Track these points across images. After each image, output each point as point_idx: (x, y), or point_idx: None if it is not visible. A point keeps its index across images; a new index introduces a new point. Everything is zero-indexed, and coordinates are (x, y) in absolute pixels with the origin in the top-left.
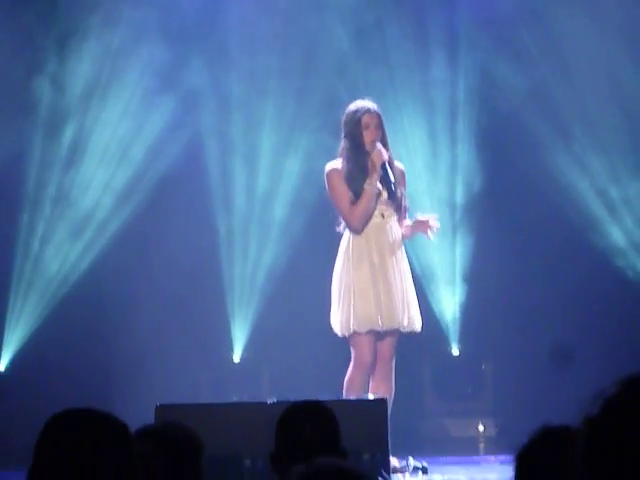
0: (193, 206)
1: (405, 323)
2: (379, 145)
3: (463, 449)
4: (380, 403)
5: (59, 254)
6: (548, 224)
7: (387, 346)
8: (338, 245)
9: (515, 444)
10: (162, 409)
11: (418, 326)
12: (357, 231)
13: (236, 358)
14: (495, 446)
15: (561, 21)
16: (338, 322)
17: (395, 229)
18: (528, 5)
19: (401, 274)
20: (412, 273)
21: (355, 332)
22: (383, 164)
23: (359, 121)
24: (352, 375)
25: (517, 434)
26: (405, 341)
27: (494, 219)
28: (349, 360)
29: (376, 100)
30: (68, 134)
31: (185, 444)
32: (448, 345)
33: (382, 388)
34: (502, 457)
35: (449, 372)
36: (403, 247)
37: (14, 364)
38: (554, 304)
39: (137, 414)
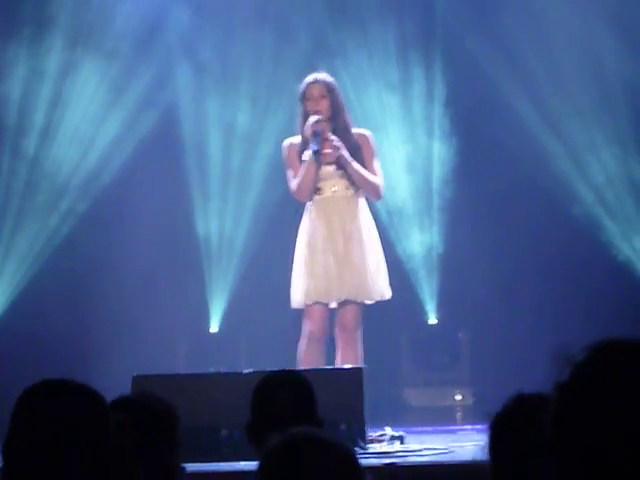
0: (168, 175)
1: (359, 294)
2: (311, 117)
3: (440, 418)
4: (356, 372)
5: (33, 227)
6: (525, 194)
7: (349, 316)
8: None
9: (491, 413)
10: (139, 380)
11: (381, 296)
12: (302, 200)
13: (213, 328)
14: (472, 415)
15: (543, 2)
16: (292, 294)
17: (353, 201)
18: None
19: (357, 245)
20: (388, 244)
21: (305, 304)
22: (314, 132)
23: (304, 94)
24: (299, 345)
25: (494, 403)
26: (382, 310)
27: (472, 192)
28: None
29: (350, 78)
30: (42, 106)
31: (161, 415)
32: (425, 314)
33: (349, 357)
34: (479, 426)
35: (426, 341)
36: (365, 219)
37: None
38: (532, 273)
39: (114, 385)
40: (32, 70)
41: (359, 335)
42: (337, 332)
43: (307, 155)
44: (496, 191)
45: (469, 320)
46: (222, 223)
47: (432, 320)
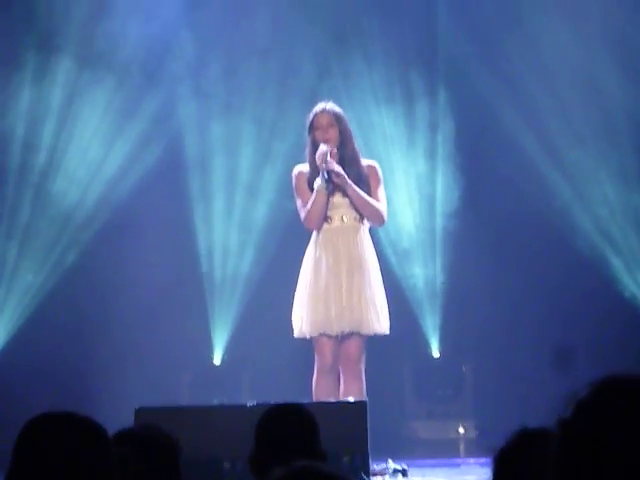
0: (172, 209)
1: (361, 327)
2: (321, 146)
3: (443, 451)
4: (360, 405)
5: (38, 258)
6: (528, 226)
7: (352, 348)
8: None
9: (495, 446)
10: (141, 412)
11: (381, 329)
12: (313, 229)
13: (216, 361)
14: (475, 448)
15: (542, 27)
16: (294, 324)
17: (361, 233)
18: (510, 11)
19: (360, 278)
20: (392, 276)
21: (310, 336)
22: (324, 162)
23: (312, 123)
24: (315, 378)
25: (497, 436)
26: (385, 343)
27: (475, 224)
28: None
29: (354, 105)
30: (47, 134)
31: (164, 447)
32: (428, 347)
33: (352, 389)
34: (482, 459)
35: (429, 374)
36: (369, 250)
37: None
38: (535, 306)
39: (116, 417)
40: (37, 100)
41: (362, 367)
42: (341, 363)
43: (318, 184)
44: (499, 223)
45: (472, 353)
46: (225, 256)
47: (435, 353)
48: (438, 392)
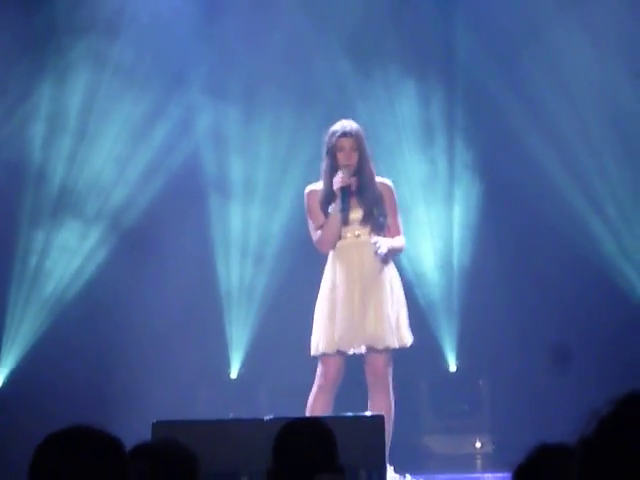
0: (190, 223)
1: (381, 341)
2: (340, 172)
3: (460, 466)
4: (377, 420)
5: (56, 273)
6: (545, 240)
7: (378, 363)
8: None
9: (512, 461)
10: (159, 426)
11: (402, 343)
12: (324, 252)
13: (233, 374)
14: (492, 463)
15: (560, 42)
16: (312, 343)
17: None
18: (527, 26)
19: (378, 292)
20: (409, 289)
21: (325, 353)
22: (342, 189)
23: (335, 143)
24: (315, 395)
25: (514, 451)
26: (402, 357)
27: (491, 236)
28: (346, 378)
29: (371, 118)
30: (64, 148)
31: (181, 461)
32: (445, 361)
33: (382, 404)
34: (499, 474)
35: (446, 388)
36: (385, 265)
37: (11, 381)
38: (552, 319)
39: (134, 431)
40: (55, 114)
41: (390, 381)
42: (368, 379)
43: (333, 210)
44: (517, 238)
45: (489, 367)
46: (243, 270)
47: (452, 367)
48: (455, 406)
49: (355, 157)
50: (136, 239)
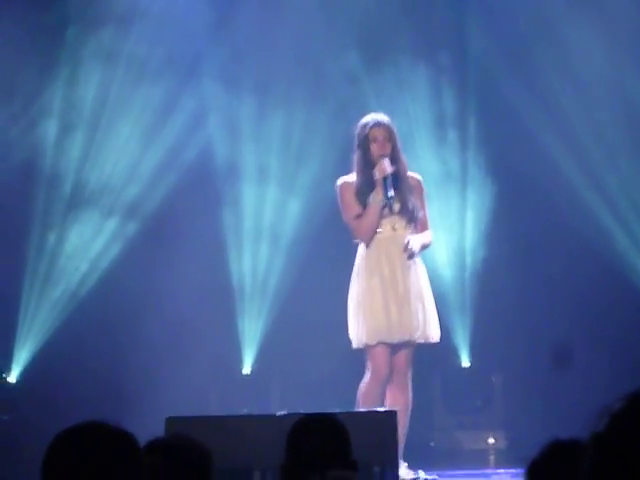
0: (202, 219)
1: (417, 335)
2: (383, 159)
3: (473, 462)
4: (390, 415)
5: (69, 269)
6: (557, 238)
7: (402, 358)
8: (347, 258)
9: (525, 457)
10: (172, 422)
11: (433, 337)
12: (364, 242)
13: (246, 370)
14: (505, 459)
15: (573, 37)
16: (352, 334)
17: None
18: (540, 25)
19: (414, 285)
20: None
21: (367, 344)
22: (385, 178)
23: (368, 134)
24: (368, 387)
25: (527, 447)
26: (415, 353)
27: (504, 234)
28: (359, 372)
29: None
30: (77, 144)
31: (194, 457)
32: (458, 357)
33: (400, 400)
34: (512, 470)
35: (459, 384)
36: (419, 259)
37: (25, 376)
38: (564, 316)
39: (147, 427)
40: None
41: (410, 378)
42: (393, 371)
43: (377, 200)
44: (529, 235)
45: (501, 363)
46: (256, 265)
47: (465, 363)
48: (468, 402)
49: (389, 148)
50: (149, 235)
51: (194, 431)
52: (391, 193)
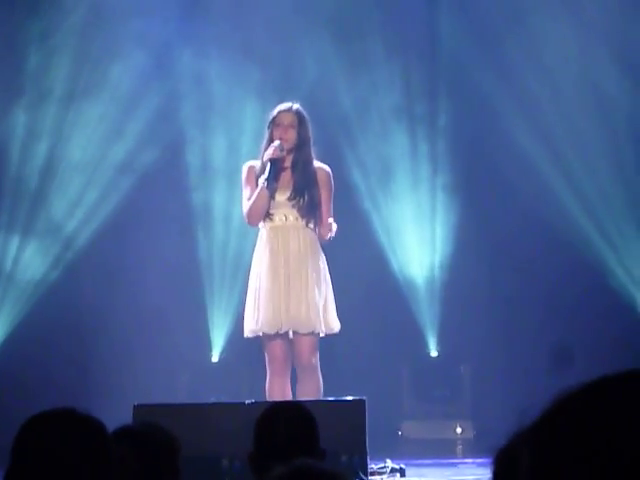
0: (171, 206)
1: (304, 325)
2: (272, 144)
3: (441, 451)
4: (359, 404)
5: (38, 254)
6: (526, 229)
7: (303, 347)
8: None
9: (493, 446)
10: (140, 409)
11: (332, 328)
12: (251, 225)
13: (214, 358)
14: (473, 448)
15: (544, 27)
16: (245, 323)
17: (302, 233)
18: (511, 11)
19: (301, 276)
20: (391, 274)
21: (255, 334)
22: (271, 161)
23: (273, 119)
24: (268, 379)
25: (495, 436)
26: (383, 342)
27: (473, 222)
28: (327, 359)
29: (356, 110)
30: (45, 140)
31: (162, 444)
32: (427, 347)
33: (307, 388)
34: (480, 459)
35: (427, 374)
36: (314, 250)
37: None
38: (533, 306)
39: (115, 414)
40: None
41: (316, 365)
42: (295, 363)
43: (261, 181)
44: (499, 224)
45: (470, 353)
46: (224, 254)
47: (433, 353)
48: (436, 392)
49: (292, 134)
50: (119, 221)
51: (162, 419)
52: (269, 175)
